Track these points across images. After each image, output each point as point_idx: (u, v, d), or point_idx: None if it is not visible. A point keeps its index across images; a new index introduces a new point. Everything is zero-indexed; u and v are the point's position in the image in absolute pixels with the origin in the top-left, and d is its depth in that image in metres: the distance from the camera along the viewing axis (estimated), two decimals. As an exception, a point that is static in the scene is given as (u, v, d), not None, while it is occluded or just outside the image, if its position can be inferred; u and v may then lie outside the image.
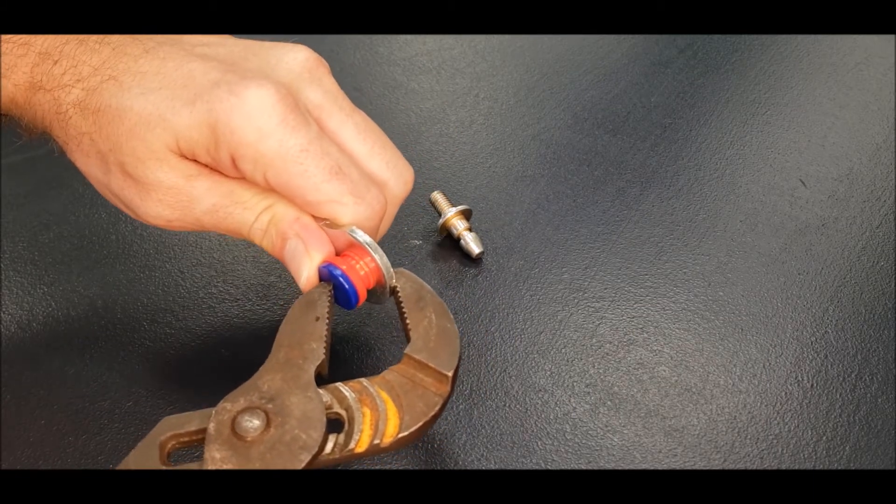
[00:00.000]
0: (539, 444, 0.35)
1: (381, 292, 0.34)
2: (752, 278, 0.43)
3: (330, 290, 0.32)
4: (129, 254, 0.43)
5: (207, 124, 0.29)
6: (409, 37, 0.63)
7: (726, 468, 0.34)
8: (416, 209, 0.46)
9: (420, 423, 0.29)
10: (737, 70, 0.60)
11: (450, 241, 0.44)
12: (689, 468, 0.34)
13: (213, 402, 0.28)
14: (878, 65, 0.61)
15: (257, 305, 0.40)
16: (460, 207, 0.44)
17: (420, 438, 0.29)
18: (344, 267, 0.32)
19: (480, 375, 0.38)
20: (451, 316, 0.32)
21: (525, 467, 0.34)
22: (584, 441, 0.35)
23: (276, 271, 0.42)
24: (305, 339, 0.30)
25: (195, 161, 0.31)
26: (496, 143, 0.52)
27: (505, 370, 0.38)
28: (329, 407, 0.29)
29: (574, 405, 0.36)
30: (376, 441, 0.28)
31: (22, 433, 0.34)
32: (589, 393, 0.37)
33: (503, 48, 0.62)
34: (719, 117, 0.55)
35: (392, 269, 0.33)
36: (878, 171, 0.51)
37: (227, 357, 0.38)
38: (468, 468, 0.34)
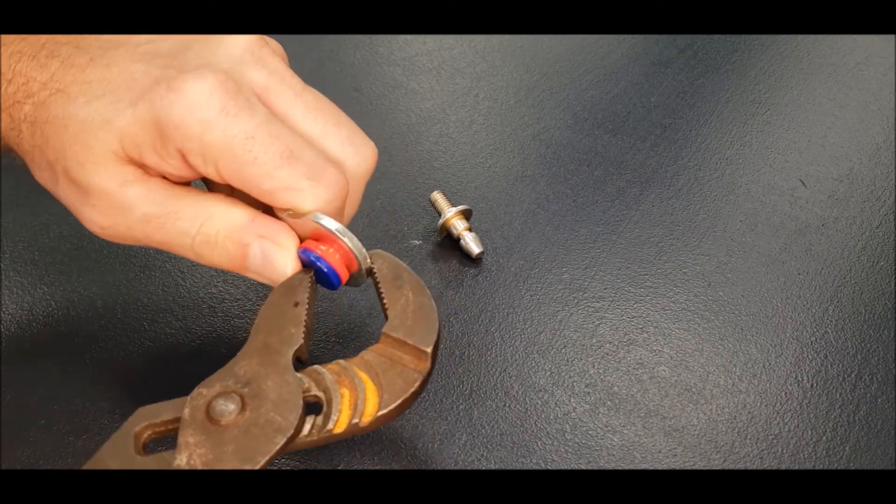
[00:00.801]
0: (539, 444, 0.35)
1: (357, 275, 0.33)
2: (752, 278, 0.43)
3: (311, 276, 0.31)
4: (129, 254, 0.43)
5: (151, 122, 0.29)
6: (409, 37, 0.63)
7: (726, 468, 0.34)
8: (416, 209, 0.46)
9: (399, 401, 0.28)
10: (737, 70, 0.60)
11: (450, 241, 0.44)
12: (689, 468, 0.34)
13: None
14: (878, 65, 0.61)
15: (257, 305, 0.40)
16: (460, 207, 0.44)
17: (400, 415, 0.29)
18: (318, 250, 0.31)
19: (480, 375, 0.38)
20: (429, 293, 0.31)
21: (525, 467, 0.34)
22: (584, 441, 0.35)
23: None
24: (284, 325, 0.30)
25: (141, 166, 0.30)
26: (496, 143, 0.52)
27: (505, 370, 0.38)
28: (307, 390, 0.29)
29: (574, 405, 0.36)
30: (355, 420, 0.28)
31: (22, 433, 0.34)
32: (589, 393, 0.37)
33: (503, 48, 0.62)
34: (719, 117, 0.55)
35: (366, 251, 0.32)
36: (878, 171, 0.51)
37: (227, 357, 0.38)
38: (468, 468, 0.34)
